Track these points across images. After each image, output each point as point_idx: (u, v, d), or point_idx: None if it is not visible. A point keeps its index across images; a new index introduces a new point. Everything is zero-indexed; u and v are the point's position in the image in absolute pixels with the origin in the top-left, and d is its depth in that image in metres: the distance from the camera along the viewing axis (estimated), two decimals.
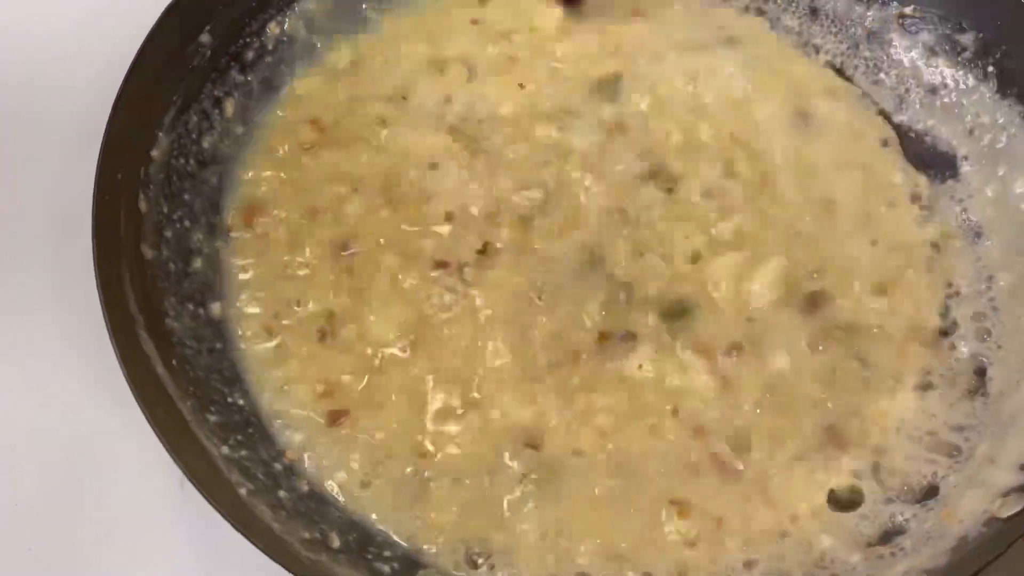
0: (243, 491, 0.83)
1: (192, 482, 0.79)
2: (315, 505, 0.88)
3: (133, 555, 0.92)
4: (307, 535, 0.83)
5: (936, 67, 1.07)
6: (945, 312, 0.98)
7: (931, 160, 1.05)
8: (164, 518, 0.94)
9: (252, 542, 0.77)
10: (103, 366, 0.96)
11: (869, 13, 1.10)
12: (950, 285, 0.99)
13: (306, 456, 0.91)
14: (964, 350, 0.95)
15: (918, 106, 1.07)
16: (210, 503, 0.77)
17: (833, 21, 1.12)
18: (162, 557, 0.93)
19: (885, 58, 1.10)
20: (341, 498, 0.89)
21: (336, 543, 0.85)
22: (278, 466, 0.89)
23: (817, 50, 1.12)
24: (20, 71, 1.16)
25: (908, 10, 1.08)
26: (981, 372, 0.94)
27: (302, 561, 0.79)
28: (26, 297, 1.03)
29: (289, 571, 0.77)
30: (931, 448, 0.91)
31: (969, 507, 0.84)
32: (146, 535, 0.93)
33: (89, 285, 0.84)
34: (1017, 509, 0.80)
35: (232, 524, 0.77)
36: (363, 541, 0.87)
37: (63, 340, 1.00)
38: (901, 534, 0.86)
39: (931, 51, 1.07)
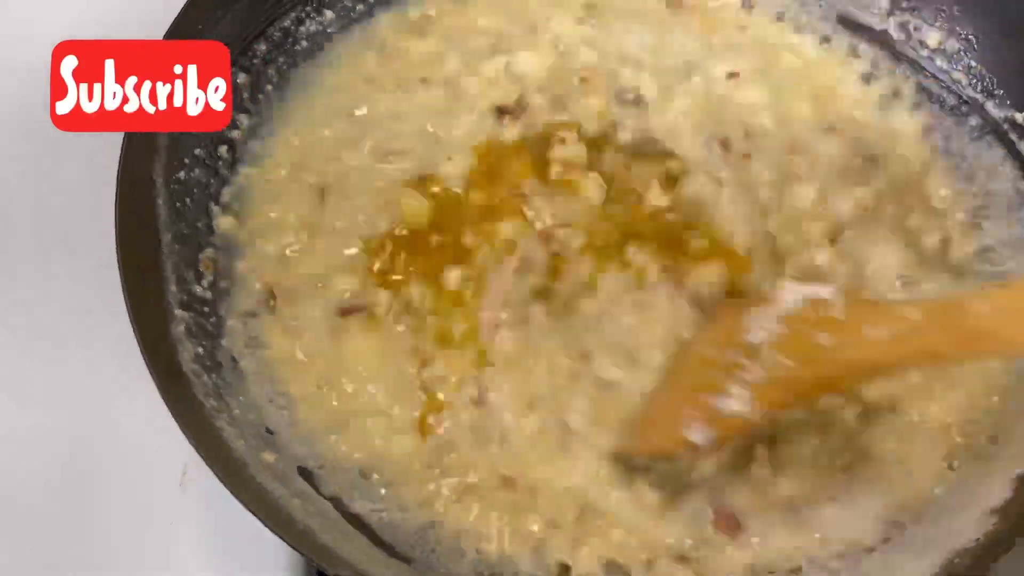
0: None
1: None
2: None
3: (134, 552, 0.93)
4: None
5: None
6: None
7: None
8: (164, 515, 0.94)
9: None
10: (103, 364, 0.97)
11: None
12: None
13: None
14: None
15: None
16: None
17: None
18: (162, 554, 0.93)
19: None
20: None
21: None
22: None
23: None
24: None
25: None
26: None
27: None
28: (26, 296, 1.03)
29: None
30: None
31: None
32: (146, 532, 0.94)
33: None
34: None
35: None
36: None
37: (64, 338, 1.00)
38: None
39: None
